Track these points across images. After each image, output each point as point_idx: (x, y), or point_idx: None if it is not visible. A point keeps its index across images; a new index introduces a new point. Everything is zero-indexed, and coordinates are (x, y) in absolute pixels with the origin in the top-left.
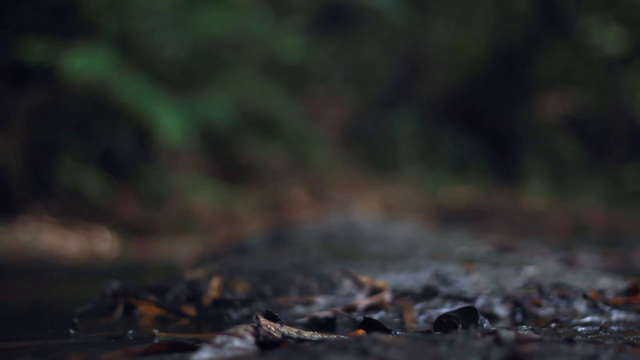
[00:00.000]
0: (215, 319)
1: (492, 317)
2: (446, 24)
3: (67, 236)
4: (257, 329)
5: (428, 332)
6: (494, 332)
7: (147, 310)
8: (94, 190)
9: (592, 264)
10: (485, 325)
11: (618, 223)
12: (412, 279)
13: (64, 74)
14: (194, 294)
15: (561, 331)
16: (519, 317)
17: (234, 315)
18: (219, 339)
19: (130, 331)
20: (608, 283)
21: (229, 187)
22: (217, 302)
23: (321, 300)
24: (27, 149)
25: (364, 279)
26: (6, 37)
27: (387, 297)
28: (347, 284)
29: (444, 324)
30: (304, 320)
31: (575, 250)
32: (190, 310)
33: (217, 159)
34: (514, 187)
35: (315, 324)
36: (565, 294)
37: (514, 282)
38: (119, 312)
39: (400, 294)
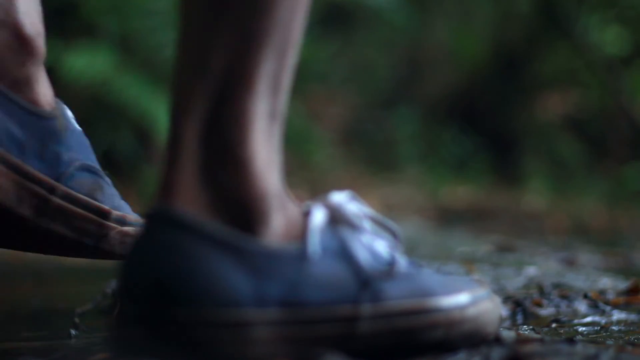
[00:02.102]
0: None
1: None
2: (447, 23)
3: None
4: None
5: None
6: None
7: None
8: None
9: (592, 264)
10: None
11: (619, 223)
12: None
13: (65, 74)
14: None
15: (562, 331)
16: (519, 317)
17: None
18: None
19: None
20: (609, 283)
21: None
22: None
23: None
24: None
25: None
26: None
27: None
28: None
29: None
30: None
31: (575, 250)
32: None
33: None
34: (515, 187)
35: None
36: (566, 294)
37: (514, 282)
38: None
39: None
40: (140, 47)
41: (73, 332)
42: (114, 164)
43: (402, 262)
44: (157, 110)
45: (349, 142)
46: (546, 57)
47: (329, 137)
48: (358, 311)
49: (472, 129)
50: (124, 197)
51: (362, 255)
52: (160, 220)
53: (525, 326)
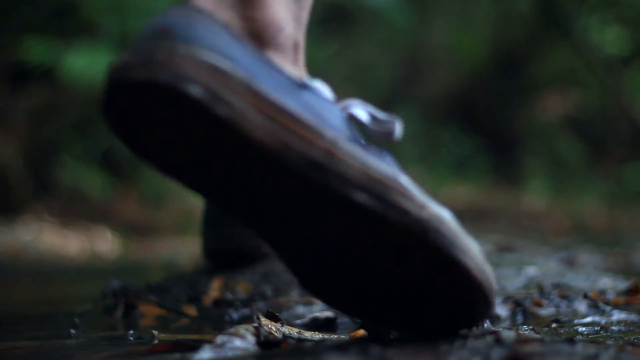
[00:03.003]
0: (216, 319)
1: (493, 317)
2: (447, 24)
3: (67, 236)
4: (258, 329)
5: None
6: (494, 332)
7: (148, 310)
8: (95, 190)
9: (592, 264)
10: (486, 325)
11: (619, 223)
12: None
13: (65, 74)
14: (195, 294)
15: (562, 331)
16: (519, 317)
17: (235, 315)
18: (219, 339)
19: (131, 331)
20: (609, 283)
21: None
22: (217, 302)
23: None
24: (27, 149)
25: None
26: (6, 37)
27: None
28: None
29: None
30: (304, 320)
31: (575, 250)
32: (191, 310)
33: None
34: (515, 187)
35: (316, 324)
36: (566, 294)
37: (514, 282)
38: (119, 312)
39: None
40: None
41: (73, 332)
42: (115, 164)
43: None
44: None
45: None
46: (546, 57)
47: None
48: (337, 142)
49: (472, 129)
50: (124, 196)
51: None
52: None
53: (525, 326)
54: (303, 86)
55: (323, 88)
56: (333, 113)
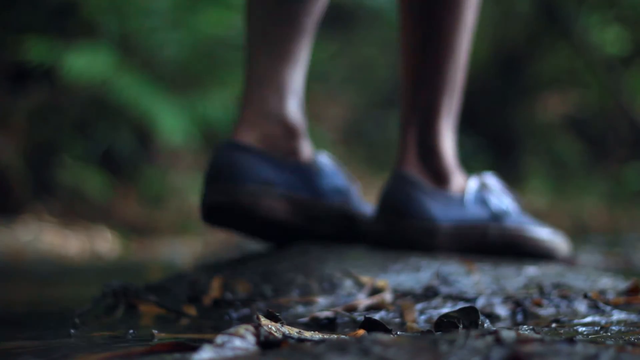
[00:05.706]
0: (216, 319)
1: (493, 317)
2: None
3: (67, 236)
4: (258, 329)
5: (429, 332)
6: (494, 332)
7: (148, 310)
8: (95, 190)
9: (592, 264)
10: (486, 325)
11: (619, 223)
12: (412, 279)
13: (65, 74)
14: (195, 294)
15: (562, 331)
16: (519, 317)
17: (235, 315)
18: (219, 338)
19: (131, 331)
20: (609, 283)
21: None
22: (217, 302)
23: (322, 300)
24: (27, 149)
25: (365, 279)
26: (6, 37)
27: (387, 297)
28: (347, 284)
29: (444, 324)
30: (304, 320)
31: (576, 250)
32: (191, 310)
33: None
34: (515, 187)
35: (316, 324)
36: (566, 294)
37: (514, 282)
38: (119, 312)
39: (401, 294)
40: (140, 47)
41: (73, 331)
42: (114, 164)
43: (514, 209)
44: (157, 110)
45: (349, 142)
46: (546, 57)
47: (329, 137)
48: (489, 227)
49: (472, 129)
50: (124, 196)
51: (493, 205)
52: (398, 177)
53: (525, 326)
54: (462, 202)
55: (472, 183)
56: (484, 212)
